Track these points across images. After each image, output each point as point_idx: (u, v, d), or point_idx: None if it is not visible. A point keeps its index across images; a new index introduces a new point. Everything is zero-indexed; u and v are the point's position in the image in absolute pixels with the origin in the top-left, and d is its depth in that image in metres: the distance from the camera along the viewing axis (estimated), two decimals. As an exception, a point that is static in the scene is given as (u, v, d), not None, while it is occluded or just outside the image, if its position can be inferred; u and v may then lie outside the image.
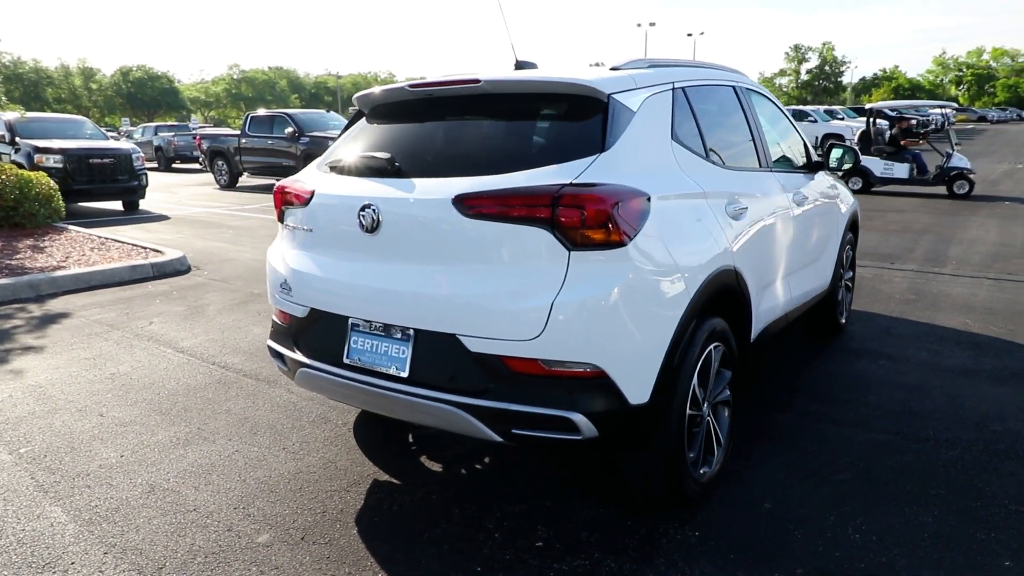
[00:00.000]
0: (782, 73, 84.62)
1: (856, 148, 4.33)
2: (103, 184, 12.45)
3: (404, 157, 2.62)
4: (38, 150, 12.06)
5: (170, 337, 5.16)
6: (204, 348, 4.88)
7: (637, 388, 2.30)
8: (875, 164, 13.40)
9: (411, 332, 2.46)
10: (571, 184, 2.22)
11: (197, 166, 26.38)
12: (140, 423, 3.64)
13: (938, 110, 18.14)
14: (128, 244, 8.49)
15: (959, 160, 12.76)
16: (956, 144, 13.49)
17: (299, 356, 2.80)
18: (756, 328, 3.18)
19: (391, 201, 2.47)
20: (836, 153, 4.21)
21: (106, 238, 8.93)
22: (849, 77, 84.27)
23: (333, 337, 2.67)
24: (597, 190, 2.21)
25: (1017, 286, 6.22)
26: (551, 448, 3.04)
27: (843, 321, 4.94)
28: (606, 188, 2.23)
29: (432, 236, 2.40)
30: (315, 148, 16.03)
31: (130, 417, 3.72)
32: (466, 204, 2.30)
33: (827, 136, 22.45)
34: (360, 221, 2.52)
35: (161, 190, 17.19)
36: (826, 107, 32.78)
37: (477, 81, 2.57)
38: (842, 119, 27.80)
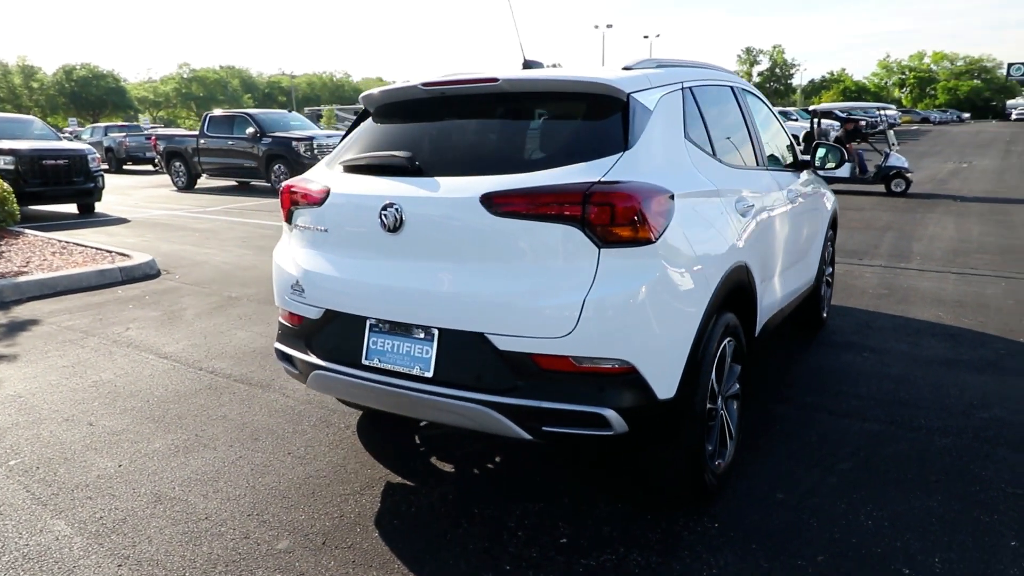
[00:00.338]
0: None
1: (842, 148, 4.44)
2: (57, 186, 11.99)
3: (423, 156, 2.60)
4: (-13, 151, 11.57)
5: (150, 343, 5.01)
6: (188, 353, 4.75)
7: (665, 383, 2.33)
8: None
9: (434, 332, 2.44)
10: (600, 182, 2.24)
11: (150, 168, 25.70)
12: (133, 431, 3.53)
13: (881, 112, 18.86)
14: (92, 248, 8.21)
15: (896, 160, 13.32)
16: (893, 144, 14.00)
17: (312, 358, 2.76)
18: (760, 322, 3.26)
19: (415, 200, 2.45)
20: (821, 152, 4.33)
21: (67, 242, 8.62)
22: (799, 79, 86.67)
23: (350, 338, 2.64)
24: (626, 187, 2.24)
25: (981, 279, 6.49)
26: (578, 445, 3.05)
27: (825, 315, 5.09)
28: (635, 185, 2.25)
29: (458, 235, 2.39)
30: (278, 149, 15.79)
31: (121, 426, 3.61)
32: (495, 202, 2.30)
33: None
34: (381, 220, 2.49)
35: (115, 192, 16.68)
36: (780, 108, 33.61)
37: (495, 80, 2.56)
38: (796, 120, 28.53)
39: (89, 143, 25.20)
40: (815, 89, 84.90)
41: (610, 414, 2.23)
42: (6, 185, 9.59)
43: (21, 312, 5.92)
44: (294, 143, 15.65)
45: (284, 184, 2.98)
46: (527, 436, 2.33)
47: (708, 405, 2.59)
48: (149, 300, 6.30)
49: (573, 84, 2.56)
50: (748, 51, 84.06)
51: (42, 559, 2.49)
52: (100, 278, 7.00)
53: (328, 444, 3.36)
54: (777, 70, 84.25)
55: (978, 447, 3.20)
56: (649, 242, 2.25)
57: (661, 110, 2.61)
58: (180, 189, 17.60)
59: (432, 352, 2.45)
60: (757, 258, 3.06)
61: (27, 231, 9.30)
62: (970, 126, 53.69)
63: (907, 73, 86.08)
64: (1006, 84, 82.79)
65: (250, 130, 16.15)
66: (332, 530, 2.65)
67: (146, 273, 7.37)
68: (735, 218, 2.83)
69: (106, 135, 26.70)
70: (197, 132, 18.16)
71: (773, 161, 3.92)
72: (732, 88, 3.53)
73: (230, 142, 16.73)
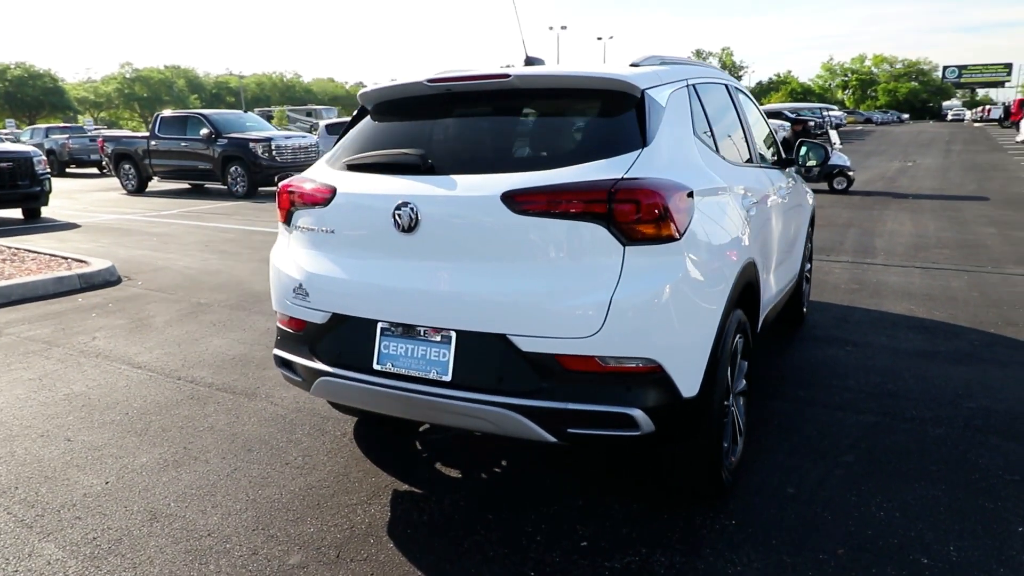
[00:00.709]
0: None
1: (825, 147, 4.52)
2: (1, 190, 11.43)
3: (433, 154, 2.53)
4: (-75, 154, 10.96)
5: (121, 352, 4.79)
6: (163, 363, 4.56)
7: (689, 381, 2.31)
8: None
9: (451, 334, 2.38)
10: (624, 179, 2.21)
11: (95, 171, 24.73)
12: (116, 446, 3.36)
13: (828, 113, 19.65)
14: (45, 254, 7.85)
15: (838, 158, 13.79)
16: (835, 144, 14.49)
17: (318, 365, 2.65)
18: (760, 318, 3.29)
19: (431, 199, 2.38)
20: (804, 150, 4.40)
21: (16, 248, 8.23)
22: (747, 81, 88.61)
23: (359, 343, 2.55)
24: (651, 184, 2.21)
25: (944, 273, 6.70)
26: (599, 446, 2.99)
27: (804, 310, 5.18)
28: (659, 182, 2.23)
29: (478, 234, 2.33)
30: (234, 150, 15.39)
31: (102, 440, 3.43)
32: (516, 201, 2.25)
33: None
34: (395, 220, 2.41)
35: (61, 196, 15.99)
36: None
37: (507, 76, 2.51)
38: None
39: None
40: (764, 91, 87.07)
41: (637, 414, 2.21)
42: (-53, 189, 9.10)
43: (-25, 323, 5.60)
44: (251, 144, 15.27)
45: (282, 184, 2.87)
46: (551, 439, 2.29)
47: (724, 402, 2.59)
48: (113, 308, 6.04)
49: (587, 80, 2.53)
50: (698, 53, 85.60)
51: (35, 585, 2.34)
52: (58, 285, 6.68)
53: (326, 453, 3.26)
54: (726, 72, 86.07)
55: (971, 436, 3.29)
56: (673, 239, 2.23)
57: (672, 107, 2.59)
58: (130, 192, 17.00)
59: (449, 355, 2.38)
60: (760, 254, 3.08)
61: (-28, 237, 8.83)
62: (910, 126, 55.81)
63: (849, 75, 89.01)
64: (941, 86, 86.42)
65: (204, 131, 15.70)
66: (344, 542, 2.55)
67: (106, 280, 7.07)
68: (743, 215, 2.85)
69: (47, 137, 25.62)
70: (147, 133, 17.58)
71: (762, 159, 3.97)
72: (726, 86, 3.55)
73: (183, 143, 16.24)
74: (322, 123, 22.72)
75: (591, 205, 2.19)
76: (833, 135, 16.42)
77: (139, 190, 17.07)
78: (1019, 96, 48.81)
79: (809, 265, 5.36)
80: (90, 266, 7.22)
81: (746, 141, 3.55)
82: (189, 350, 4.81)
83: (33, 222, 11.84)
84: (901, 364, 4.27)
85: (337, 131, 21.25)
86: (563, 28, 70.79)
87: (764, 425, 3.44)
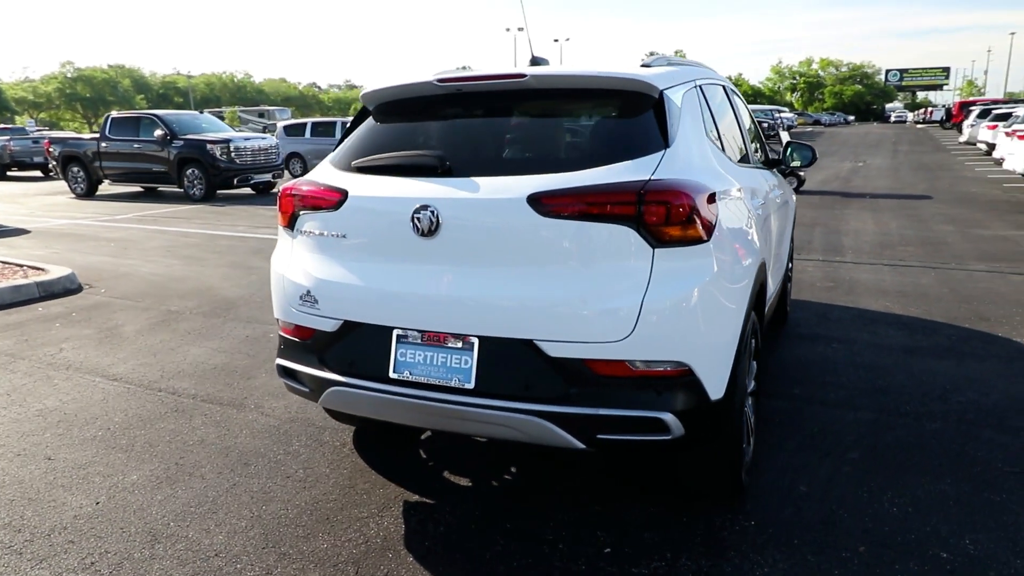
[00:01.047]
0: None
1: (812, 147, 4.59)
2: (-57, 195, 10.84)
3: (450, 155, 2.46)
4: None
5: (93, 364, 4.57)
6: (141, 374, 4.37)
7: (716, 383, 2.30)
8: None
9: (474, 340, 2.31)
10: (652, 180, 2.18)
11: (38, 173, 23.74)
12: (102, 464, 3.19)
13: (779, 115, 20.19)
14: (-3, 262, 7.46)
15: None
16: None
17: (328, 374, 2.56)
18: (765, 318, 3.31)
19: (453, 202, 2.31)
20: (791, 151, 4.46)
21: (-34, 256, 7.80)
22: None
23: (374, 351, 2.46)
24: (678, 185, 2.19)
25: (911, 270, 6.90)
26: (630, 451, 2.92)
27: (788, 309, 5.26)
28: (687, 183, 2.21)
29: (503, 238, 2.27)
30: (191, 152, 14.93)
31: (85, 458, 3.25)
32: (543, 203, 2.20)
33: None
34: (414, 224, 2.33)
35: (5, 200, 15.36)
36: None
37: (522, 76, 2.46)
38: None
39: (-33, 147, 23.08)
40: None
41: (668, 418, 2.18)
42: None
43: (-72, 336, 5.28)
44: (209, 146, 14.85)
45: (285, 187, 2.76)
46: (580, 445, 2.24)
47: (743, 403, 2.59)
48: (78, 317, 5.77)
49: (606, 80, 2.49)
50: (651, 55, 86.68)
51: (34, 617, 2.19)
52: (15, 295, 6.35)
53: (328, 464, 3.15)
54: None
55: (966, 430, 3.36)
56: (702, 241, 2.21)
57: (686, 108, 2.58)
58: (80, 196, 16.34)
59: (472, 362, 2.31)
60: (767, 255, 3.10)
61: (-85, 245, 8.35)
62: (856, 128, 57.59)
63: (798, 78, 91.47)
64: (884, 89, 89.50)
65: (158, 132, 15.19)
66: (361, 557, 2.46)
67: (66, 288, 6.76)
68: (753, 216, 2.85)
69: (-13, 139, 24.46)
70: (93, 135, 16.93)
71: (756, 159, 4.00)
72: (723, 87, 3.56)
73: (136, 145, 15.68)
74: (280, 124, 22.30)
75: (620, 207, 2.16)
76: (784, 136, 16.81)
77: (89, 193, 16.42)
78: (958, 99, 50.95)
79: (791, 264, 5.44)
80: (48, 273, 6.89)
81: (743, 141, 3.57)
82: (166, 360, 4.62)
83: (-22, 228, 11.28)
84: (887, 360, 4.36)
85: (296, 132, 20.96)
86: (520, 30, 70.82)
87: (766, 424, 3.46)
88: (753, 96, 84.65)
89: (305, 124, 21.28)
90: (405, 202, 2.36)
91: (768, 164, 4.35)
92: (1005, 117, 18.91)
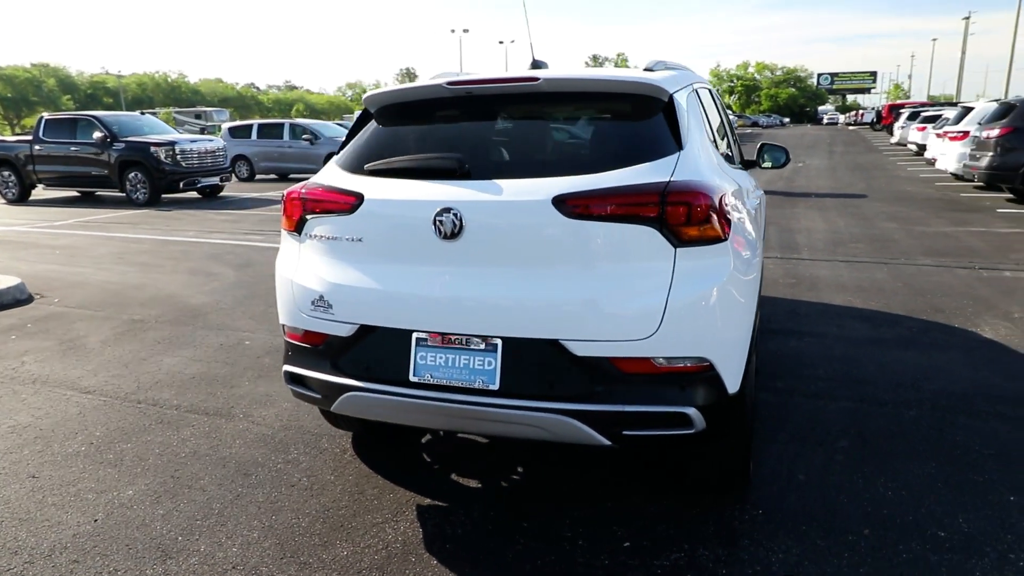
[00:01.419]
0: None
1: (785, 148, 4.76)
2: None
3: (467, 158, 2.47)
4: None
5: (60, 377, 4.38)
6: (115, 386, 4.21)
7: (734, 377, 2.38)
8: None
9: (497, 342, 2.33)
10: (673, 181, 2.24)
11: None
12: (92, 480, 3.07)
13: None
14: (-63, 272, 7.05)
15: None
16: None
17: (343, 380, 2.53)
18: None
19: (477, 204, 2.32)
20: (766, 152, 4.62)
21: (-101, 266, 7.35)
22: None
23: (392, 355, 2.45)
24: (698, 186, 2.26)
25: (865, 266, 7.22)
26: (654, 446, 2.94)
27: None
28: (705, 184, 2.28)
29: (527, 239, 2.29)
30: (133, 155, 14.40)
31: (73, 475, 3.12)
32: (568, 204, 2.23)
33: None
34: (437, 227, 2.33)
35: (-70, 207, 14.45)
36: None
37: (535, 79, 2.49)
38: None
39: None
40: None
41: (692, 412, 2.25)
42: None
43: None
44: (153, 148, 14.34)
45: (290, 191, 2.72)
46: (606, 442, 2.29)
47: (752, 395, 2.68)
48: (34, 329, 5.51)
49: (618, 84, 2.55)
50: (594, 58, 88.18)
51: (50, 641, 2.10)
52: (-38, 306, 6.02)
53: (331, 471, 3.11)
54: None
55: (941, 416, 3.55)
56: (721, 240, 2.28)
57: (691, 110, 2.66)
58: (11, 202, 15.57)
59: (495, 363, 2.33)
60: (761, 252, 3.21)
61: None
62: (792, 129, 59.66)
63: (735, 81, 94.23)
64: (816, 92, 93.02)
65: (98, 134, 14.59)
66: (384, 563, 2.45)
67: (16, 298, 6.43)
68: (752, 214, 2.96)
69: (-98, 141, 22.98)
70: (17, 137, 16.13)
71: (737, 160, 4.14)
72: (710, 91, 3.67)
73: (73, 148, 15.03)
74: (224, 126, 21.71)
75: (643, 208, 2.21)
76: None
77: (22, 199, 15.65)
78: (887, 102, 53.42)
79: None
80: (-4, 283, 6.55)
81: (729, 143, 3.69)
82: (140, 371, 4.47)
83: (-95, 236, 10.62)
84: (857, 352, 4.56)
85: (242, 134, 20.45)
86: (465, 31, 70.86)
87: (754, 415, 3.57)
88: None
89: (251, 126, 20.80)
90: (426, 205, 2.36)
91: (745, 165, 4.50)
92: (934, 119, 19.93)
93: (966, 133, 13.10)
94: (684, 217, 2.22)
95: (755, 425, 3.40)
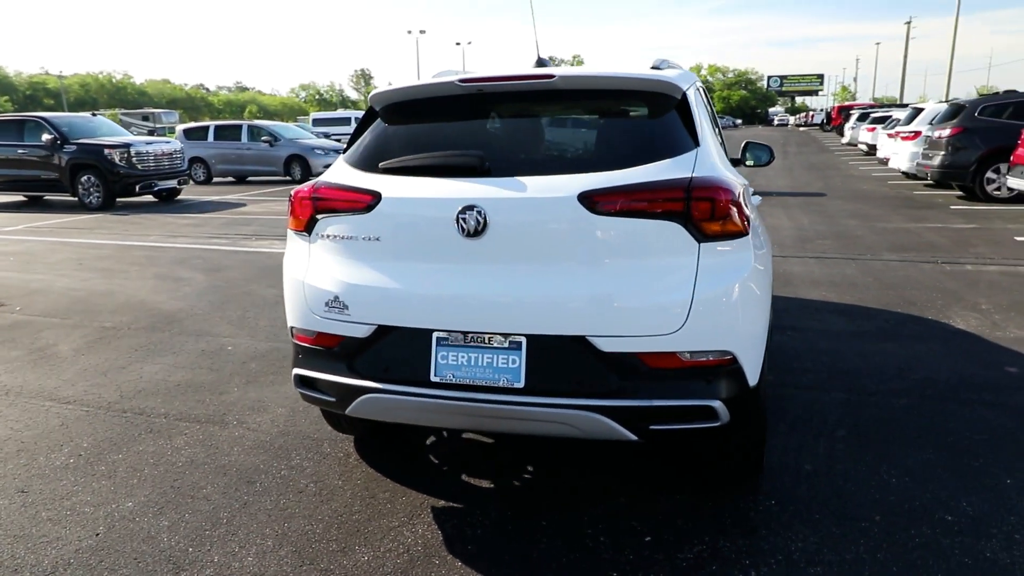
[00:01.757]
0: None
1: (770, 147, 4.86)
2: None
3: (486, 155, 2.44)
4: None
5: (35, 387, 4.20)
6: (96, 395, 4.05)
7: (754, 369, 2.41)
8: None
9: (521, 339, 2.32)
10: (697, 177, 2.27)
11: None
12: (86, 492, 2.95)
13: None
14: None
15: None
16: None
17: (359, 382, 2.48)
18: None
19: (501, 202, 2.30)
20: (751, 151, 4.71)
21: None
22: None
23: (412, 355, 2.42)
24: (719, 182, 2.29)
25: (835, 262, 7.42)
26: (676, 440, 2.95)
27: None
28: (725, 179, 2.31)
29: (553, 236, 2.28)
30: (86, 158, 13.92)
31: (65, 488, 2.99)
32: (595, 201, 2.23)
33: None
34: (460, 225, 2.31)
35: None
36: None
37: (551, 76, 2.49)
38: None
39: None
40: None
41: (718, 405, 2.27)
42: None
43: None
44: (107, 151, 13.89)
45: (298, 190, 2.66)
46: (633, 437, 2.30)
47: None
48: (-1, 338, 5.27)
49: (634, 82, 2.56)
50: (552, 59, 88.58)
51: (68, 662, 2.00)
52: (-83, 316, 5.72)
53: (338, 475, 3.05)
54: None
55: (930, 405, 3.67)
56: (743, 234, 2.32)
57: (700, 108, 2.69)
58: (-46, 207, 14.86)
59: (520, 361, 2.32)
60: None
61: None
62: (745, 130, 60.95)
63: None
64: (767, 94, 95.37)
65: (47, 137, 14.07)
66: (408, 567, 2.41)
67: (-26, 307, 6.15)
68: (756, 210, 3.01)
69: None
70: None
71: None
72: (704, 90, 3.72)
73: (20, 151, 14.46)
74: (179, 127, 21.15)
75: (669, 203, 2.23)
76: None
77: (-35, 205, 14.97)
78: (835, 104, 55.14)
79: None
80: (-48, 292, 6.25)
81: (722, 141, 3.74)
82: (121, 379, 4.31)
83: None
84: (840, 345, 4.68)
85: (198, 136, 19.94)
86: (422, 32, 70.47)
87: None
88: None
89: (207, 127, 20.32)
90: (448, 203, 2.33)
91: (733, 163, 4.57)
92: (883, 120, 20.61)
93: (918, 133, 13.59)
94: (708, 212, 2.24)
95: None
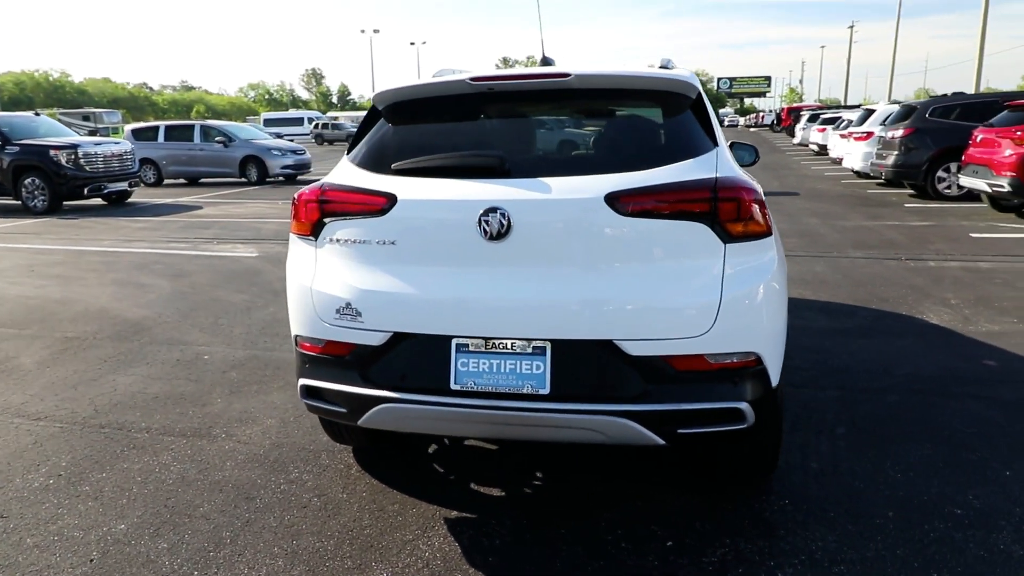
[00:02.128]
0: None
1: (755, 147, 4.89)
2: None
3: (505, 155, 2.38)
4: None
5: (0, 403, 3.95)
6: (69, 410, 3.84)
7: (776, 369, 2.41)
8: None
9: (546, 345, 2.26)
10: (721, 177, 2.25)
11: None
12: (71, 515, 2.77)
13: None
14: None
15: None
16: None
17: (374, 391, 2.39)
18: None
19: (526, 204, 2.23)
20: (735, 151, 4.74)
21: None
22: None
23: (430, 362, 2.34)
24: (741, 182, 2.27)
25: (804, 260, 7.56)
26: (702, 443, 2.91)
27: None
28: (746, 180, 2.30)
29: (579, 238, 2.23)
30: (29, 159, 13.30)
31: (48, 511, 2.81)
32: (622, 202, 2.19)
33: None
34: (483, 227, 2.24)
35: None
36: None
37: (566, 75, 2.44)
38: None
39: None
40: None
41: (744, 407, 2.26)
42: None
43: None
44: (52, 152, 13.29)
45: (303, 193, 2.55)
46: (660, 441, 2.26)
47: None
48: (-48, 351, 4.96)
49: (650, 81, 2.53)
50: (505, 60, 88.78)
51: None
52: None
53: (341, 488, 2.94)
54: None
55: (920, 399, 3.75)
56: (767, 235, 2.31)
57: (710, 108, 2.68)
58: None
59: (544, 367, 2.26)
60: None
61: None
62: (696, 131, 62.13)
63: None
64: (717, 95, 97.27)
65: (-14, 137, 13.37)
66: (430, 582, 2.33)
67: (-79, 318, 5.78)
68: (762, 211, 3.01)
69: None
70: None
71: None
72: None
73: (-43, 153, 13.70)
74: (127, 128, 20.42)
75: (696, 204, 2.20)
76: None
77: None
78: (784, 105, 56.68)
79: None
80: None
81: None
82: (93, 393, 4.09)
83: None
84: (825, 342, 4.75)
85: (148, 137, 19.26)
86: (376, 32, 69.73)
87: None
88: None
89: (158, 127, 19.67)
90: (471, 205, 2.26)
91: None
92: (833, 121, 21.22)
93: (870, 134, 14.02)
94: (734, 212, 2.23)
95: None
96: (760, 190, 2.35)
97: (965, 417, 3.50)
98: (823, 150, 22.33)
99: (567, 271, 2.26)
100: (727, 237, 2.24)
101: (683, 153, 2.35)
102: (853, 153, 15.03)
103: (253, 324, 5.48)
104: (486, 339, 2.30)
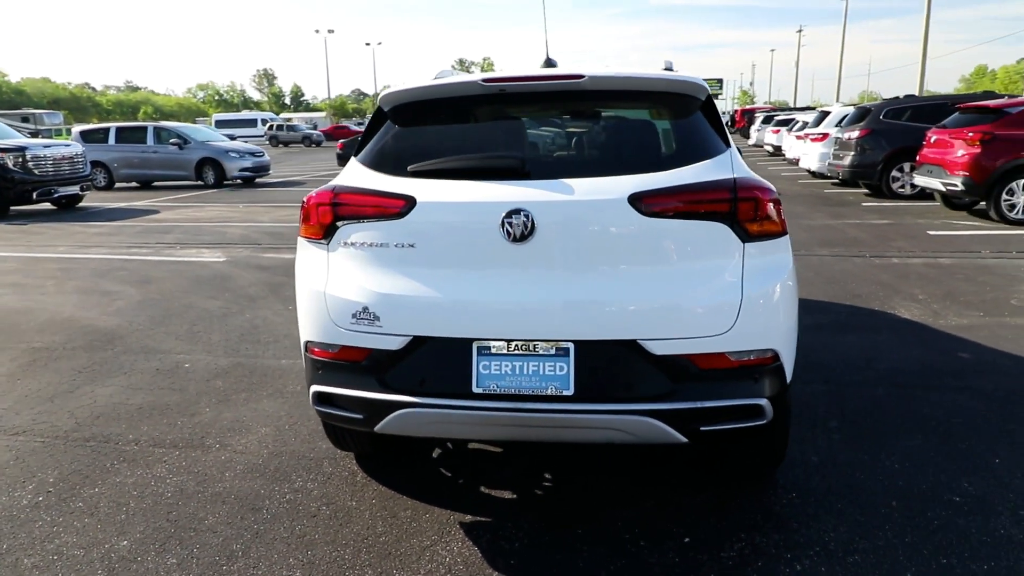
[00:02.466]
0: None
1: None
2: None
3: (523, 156, 2.37)
4: None
5: (-28, 418, 3.77)
6: (48, 424, 3.68)
7: (790, 365, 2.46)
8: None
9: (569, 346, 2.26)
10: (738, 178, 2.29)
11: None
12: (69, 534, 2.66)
13: None
14: None
15: None
16: None
17: (392, 396, 2.36)
18: None
19: (549, 205, 2.23)
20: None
21: None
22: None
23: (450, 366, 2.32)
24: (758, 183, 2.32)
25: (774, 258, 7.74)
26: (724, 441, 2.93)
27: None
28: (761, 180, 2.35)
29: (602, 239, 2.24)
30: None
31: (43, 530, 2.70)
32: (645, 202, 2.21)
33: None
34: (506, 229, 2.23)
35: None
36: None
37: (580, 77, 2.45)
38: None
39: None
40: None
41: (764, 403, 2.30)
42: None
43: None
44: (12, 155, 12.74)
45: (312, 196, 2.49)
46: (682, 439, 2.29)
47: None
48: (-90, 365, 4.70)
49: (663, 83, 2.56)
50: (461, 62, 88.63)
51: None
52: None
53: (349, 495, 2.89)
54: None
55: (904, 392, 3.87)
56: (783, 234, 2.36)
57: (718, 110, 2.72)
58: None
59: (568, 368, 2.26)
60: None
61: None
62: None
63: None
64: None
65: (-74, 140, 12.76)
66: (455, 588, 2.30)
67: None
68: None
69: None
70: None
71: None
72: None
73: None
74: (76, 129, 19.72)
75: (716, 204, 2.24)
76: None
77: None
78: (738, 107, 57.93)
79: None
80: None
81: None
82: (72, 405, 3.93)
83: None
84: (806, 338, 4.83)
85: (97, 139, 18.60)
86: (330, 32, 68.84)
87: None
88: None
89: (108, 129, 19.01)
90: (493, 207, 2.25)
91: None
92: (787, 123, 21.78)
93: (826, 135, 14.43)
94: (752, 212, 2.27)
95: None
96: (775, 190, 2.40)
97: (949, 408, 3.63)
98: (778, 151, 22.90)
99: (590, 272, 2.26)
100: (746, 236, 2.28)
101: (700, 154, 2.39)
102: (810, 154, 15.45)
103: (231, 331, 5.34)
104: (508, 341, 2.29)
